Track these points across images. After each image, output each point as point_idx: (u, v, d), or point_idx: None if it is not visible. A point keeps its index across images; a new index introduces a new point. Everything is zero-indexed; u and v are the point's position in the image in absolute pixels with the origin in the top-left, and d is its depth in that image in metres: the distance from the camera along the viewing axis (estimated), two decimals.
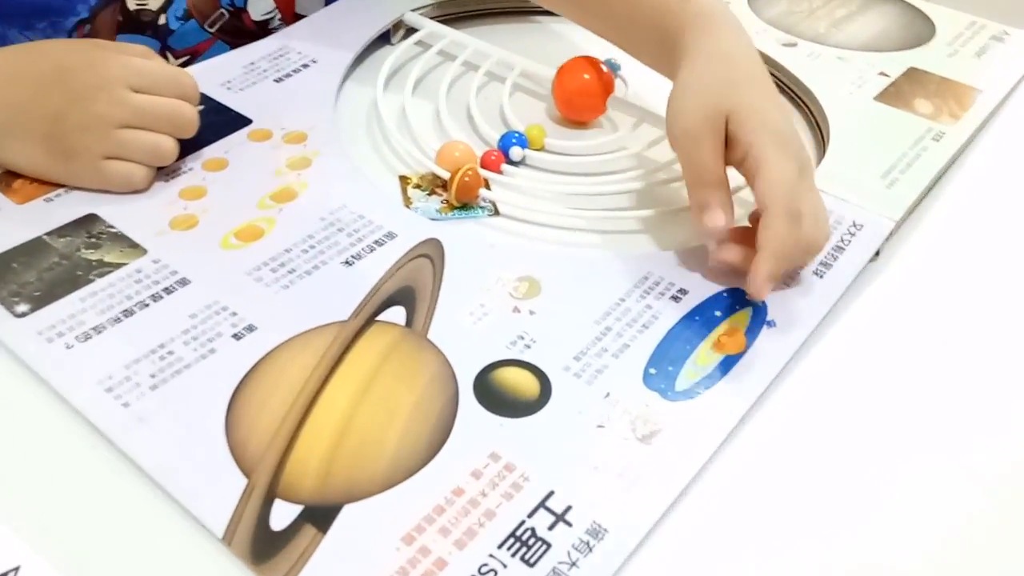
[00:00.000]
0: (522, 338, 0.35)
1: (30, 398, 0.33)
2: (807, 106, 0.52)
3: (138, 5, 0.55)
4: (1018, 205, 0.47)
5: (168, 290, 0.37)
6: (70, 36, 0.52)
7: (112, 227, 0.40)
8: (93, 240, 0.39)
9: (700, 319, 0.36)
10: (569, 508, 0.29)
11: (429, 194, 0.44)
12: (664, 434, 0.32)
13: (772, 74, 0.54)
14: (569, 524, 0.28)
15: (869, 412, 0.35)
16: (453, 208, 0.43)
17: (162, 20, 0.56)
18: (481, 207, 0.43)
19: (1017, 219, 0.46)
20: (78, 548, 0.28)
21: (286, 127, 0.47)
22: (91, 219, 0.40)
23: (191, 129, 0.43)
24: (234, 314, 0.36)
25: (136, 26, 0.55)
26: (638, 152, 0.47)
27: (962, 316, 0.39)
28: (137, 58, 0.42)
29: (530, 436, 0.31)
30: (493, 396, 0.33)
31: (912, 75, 0.54)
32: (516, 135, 0.47)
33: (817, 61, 0.54)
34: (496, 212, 0.43)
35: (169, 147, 0.42)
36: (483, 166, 0.45)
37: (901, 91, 0.52)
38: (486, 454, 0.31)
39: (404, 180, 0.45)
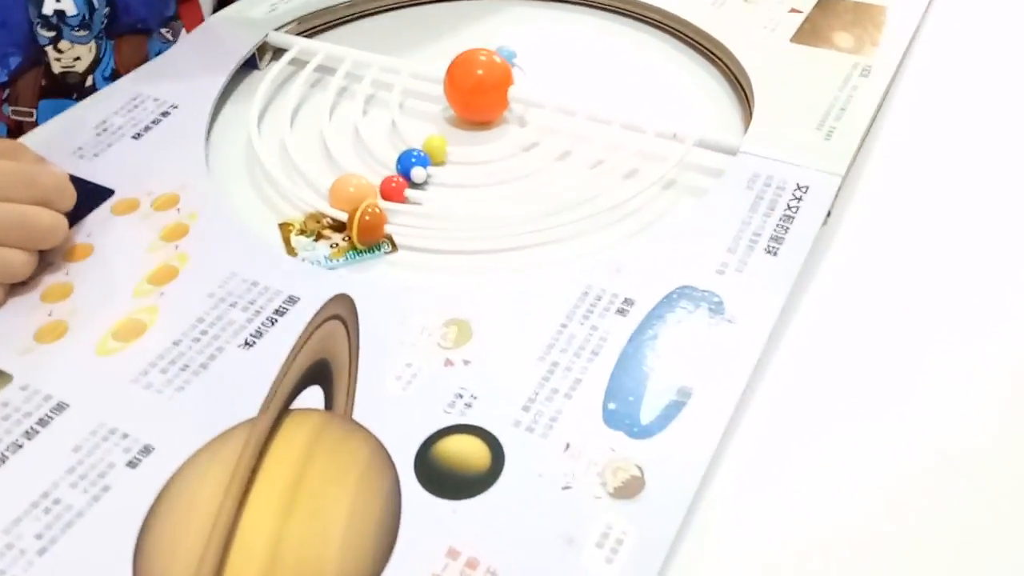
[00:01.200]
0: (460, 396, 0.31)
1: None
2: (723, 63, 0.48)
3: (63, 68, 0.51)
4: (960, 132, 0.44)
5: (42, 421, 0.31)
6: None
7: None
8: None
9: (653, 331, 0.32)
10: None
11: (315, 239, 0.39)
12: (638, 481, 0.28)
13: (680, 32, 0.50)
14: None
15: (856, 398, 0.31)
16: (346, 251, 0.38)
17: (89, 81, 0.52)
18: (379, 246, 0.39)
19: (961, 146, 0.43)
20: None
21: (153, 191, 0.41)
22: None
23: (52, 239, 0.37)
24: (125, 436, 0.31)
25: (62, 89, 0.52)
26: (552, 147, 0.43)
27: (937, 270, 0.36)
28: None
29: (489, 518, 0.27)
30: (439, 477, 0.28)
31: (824, 6, 0.50)
32: (415, 153, 0.42)
33: (722, 9, 0.50)
34: (394, 247, 0.39)
35: (18, 263, 0.36)
36: (384, 197, 0.41)
37: (817, 27, 0.48)
38: (443, 552, 0.26)
39: (285, 227, 0.40)
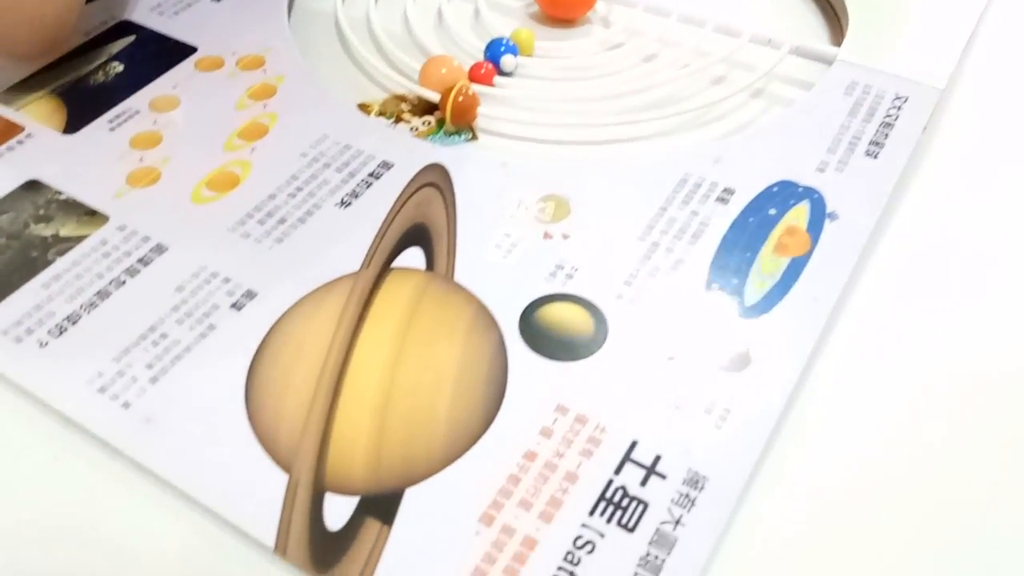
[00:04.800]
0: (561, 267, 0.31)
1: (5, 412, 0.28)
2: None
3: None
4: None
5: (144, 261, 0.31)
6: None
7: (61, 193, 0.34)
8: (42, 212, 0.33)
9: (754, 220, 0.33)
10: (658, 458, 0.25)
11: (395, 122, 0.39)
12: (744, 357, 0.28)
13: None
14: (663, 476, 0.25)
15: (968, 296, 0.31)
16: (426, 135, 0.38)
17: None
18: (459, 133, 0.38)
19: None
20: None
21: (238, 51, 0.41)
22: (34, 187, 0.34)
23: None
24: (227, 280, 0.31)
25: None
26: (638, 48, 0.42)
27: None
28: None
29: (595, 380, 0.28)
30: (544, 339, 0.29)
31: None
32: (505, 42, 0.41)
33: None
34: (474, 137, 0.38)
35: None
36: (473, 80, 0.40)
37: None
38: (552, 407, 0.27)
39: (364, 108, 0.40)
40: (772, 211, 0.33)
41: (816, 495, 0.26)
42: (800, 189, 0.34)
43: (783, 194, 0.34)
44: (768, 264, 0.31)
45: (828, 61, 0.41)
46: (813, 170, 0.35)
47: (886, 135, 0.36)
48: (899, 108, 0.37)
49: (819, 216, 0.33)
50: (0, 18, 0.35)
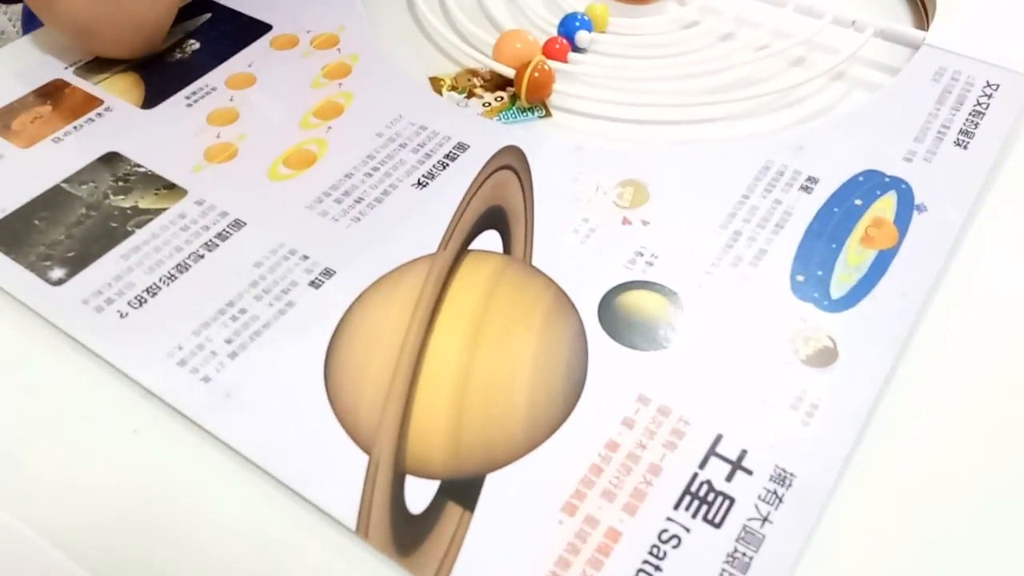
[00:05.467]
0: (640, 254, 0.31)
1: (86, 381, 0.28)
2: None
3: None
4: None
5: (222, 236, 0.31)
6: None
7: (140, 166, 0.34)
8: (121, 183, 0.34)
9: (840, 211, 0.32)
10: (744, 453, 0.25)
11: (467, 96, 0.38)
12: (830, 352, 0.27)
13: None
14: (749, 472, 0.25)
15: None
16: (499, 111, 0.38)
17: None
18: (532, 109, 0.38)
19: None
20: (179, 558, 0.24)
21: (312, 29, 0.41)
22: (113, 158, 0.35)
23: None
24: (305, 257, 0.31)
25: None
26: (714, 27, 0.41)
27: None
28: None
29: (677, 370, 0.27)
30: (624, 327, 0.28)
31: None
32: (579, 17, 0.41)
33: None
34: (548, 113, 0.38)
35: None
36: (547, 56, 0.40)
37: None
38: (633, 397, 0.26)
39: (436, 82, 0.39)
40: (858, 201, 0.32)
41: (906, 495, 0.25)
42: (887, 179, 0.33)
43: (869, 184, 0.33)
44: (854, 256, 0.30)
45: (914, 45, 0.39)
46: (900, 160, 0.33)
47: (976, 124, 0.35)
48: (990, 96, 0.36)
49: (907, 208, 0.32)
50: (106, 24, 0.36)
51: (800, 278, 0.29)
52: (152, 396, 0.27)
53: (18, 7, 0.97)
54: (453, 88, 0.39)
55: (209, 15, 0.42)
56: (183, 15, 0.41)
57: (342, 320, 0.29)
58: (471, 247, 0.31)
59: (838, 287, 0.29)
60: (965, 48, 0.38)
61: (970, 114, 0.35)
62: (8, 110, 0.37)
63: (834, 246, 0.30)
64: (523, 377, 0.27)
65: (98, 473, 0.26)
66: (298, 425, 0.26)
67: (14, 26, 1.22)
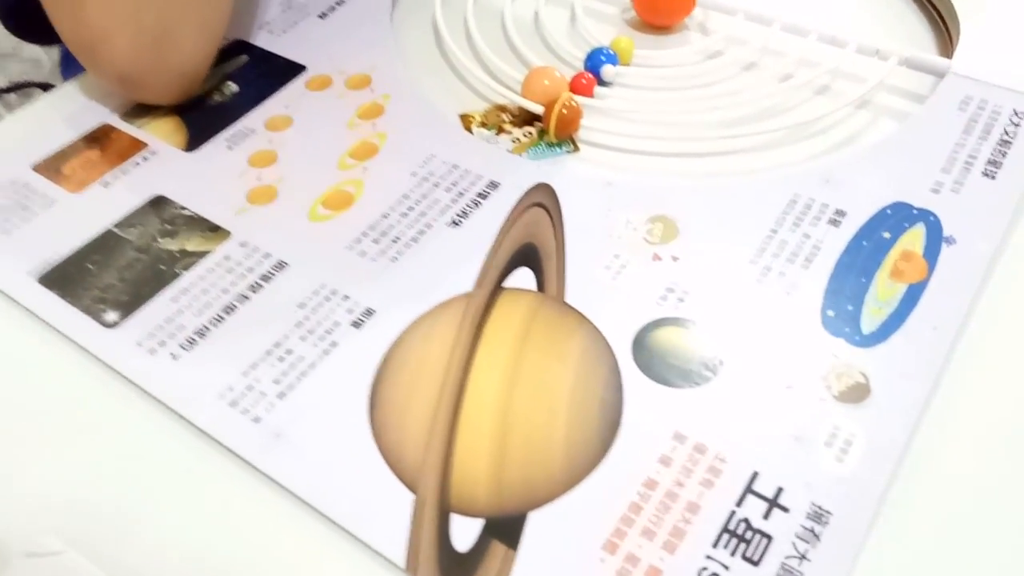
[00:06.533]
0: (672, 290, 0.31)
1: (142, 421, 0.29)
2: None
3: None
4: None
5: (266, 277, 0.33)
6: None
7: (185, 209, 0.35)
8: (168, 226, 0.35)
9: (868, 244, 0.32)
10: (780, 491, 0.26)
11: (497, 132, 0.39)
12: (863, 388, 0.28)
13: None
14: (786, 510, 0.25)
15: None
16: (528, 147, 0.38)
17: None
18: (560, 144, 0.38)
19: None
20: None
21: (345, 70, 0.42)
22: (160, 202, 0.36)
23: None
24: (346, 297, 0.32)
25: None
26: (738, 57, 0.42)
27: None
28: None
29: (711, 408, 0.28)
30: (658, 364, 0.29)
31: None
32: (605, 51, 0.42)
33: None
34: (576, 148, 0.38)
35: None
36: (573, 91, 0.40)
37: None
38: (669, 435, 0.27)
39: (466, 119, 0.40)
40: (886, 234, 0.32)
41: (943, 531, 0.25)
42: (915, 211, 0.33)
43: (897, 216, 0.33)
44: (884, 290, 0.31)
45: (939, 73, 0.40)
46: (927, 191, 0.34)
47: (1004, 154, 0.35)
48: (1017, 125, 0.36)
49: (936, 240, 0.32)
50: (148, 72, 0.38)
51: (831, 313, 0.30)
52: (205, 435, 0.28)
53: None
54: (483, 125, 0.40)
55: (246, 57, 0.43)
56: (221, 58, 0.43)
57: (384, 360, 0.30)
58: (505, 285, 0.32)
59: (869, 321, 0.30)
60: (991, 76, 0.38)
61: (998, 143, 0.35)
62: (59, 156, 0.38)
63: (864, 280, 0.31)
64: (561, 415, 0.28)
65: (156, 511, 0.27)
66: (346, 464, 0.27)
67: (50, 57, 1.25)
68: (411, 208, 0.35)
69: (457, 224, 0.34)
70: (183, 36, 0.37)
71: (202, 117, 0.40)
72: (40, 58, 1.25)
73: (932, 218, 0.33)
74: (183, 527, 0.26)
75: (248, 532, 0.26)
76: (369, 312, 0.31)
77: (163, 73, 0.38)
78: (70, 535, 0.26)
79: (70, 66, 0.66)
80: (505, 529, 0.25)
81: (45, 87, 1.03)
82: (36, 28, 0.55)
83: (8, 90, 1.04)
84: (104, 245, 0.34)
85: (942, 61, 0.40)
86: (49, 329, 0.32)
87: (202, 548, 0.26)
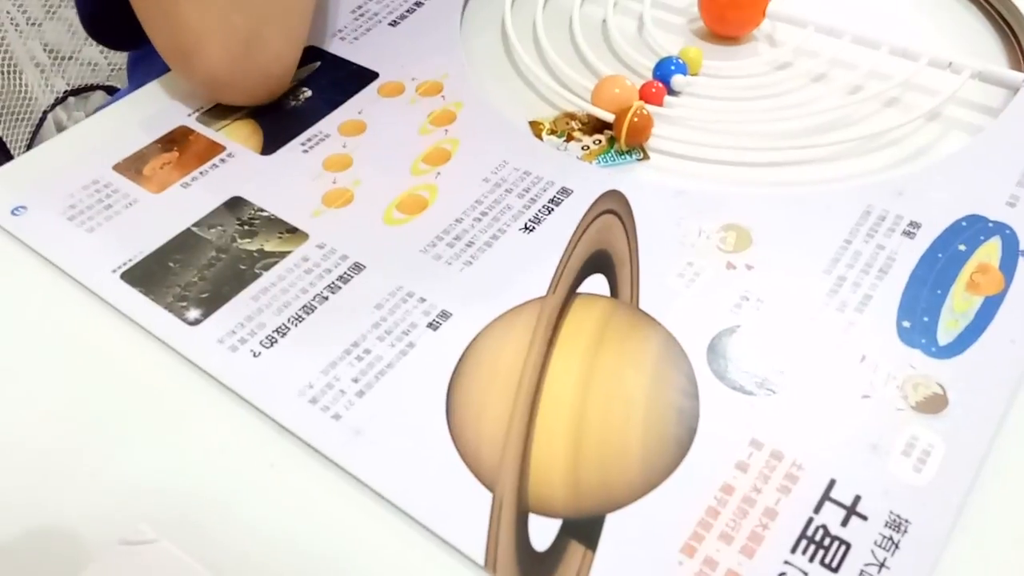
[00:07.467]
0: (747, 299, 0.31)
1: (225, 417, 0.30)
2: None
3: None
4: None
5: (343, 278, 0.33)
6: None
7: (263, 210, 0.36)
8: (247, 227, 0.36)
9: (944, 256, 0.32)
10: (858, 498, 0.26)
11: (566, 140, 0.40)
12: (941, 399, 0.28)
13: None
14: (864, 518, 0.25)
15: None
16: (598, 154, 0.39)
17: None
18: (630, 152, 0.39)
19: None
20: None
21: (417, 77, 0.43)
22: (238, 203, 0.37)
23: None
24: (422, 300, 0.32)
25: None
26: (807, 68, 0.42)
27: None
28: None
29: (788, 415, 0.28)
30: (733, 371, 0.29)
31: None
32: (674, 60, 0.42)
33: None
34: (645, 156, 0.39)
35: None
36: (643, 99, 0.41)
37: None
38: (746, 441, 0.27)
39: (536, 126, 0.41)
40: (962, 247, 0.32)
41: (1021, 542, 0.25)
42: (990, 224, 0.33)
43: (972, 229, 0.33)
44: (960, 303, 0.30)
45: (1013, 87, 0.40)
46: (1003, 204, 0.34)
47: None
48: None
49: (1012, 253, 0.32)
50: (239, 75, 0.39)
51: (907, 324, 0.30)
52: (286, 431, 0.29)
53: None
54: (552, 132, 0.41)
55: (319, 63, 0.44)
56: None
57: (460, 361, 0.30)
58: (579, 290, 0.32)
59: (945, 333, 0.30)
60: None
61: None
62: (138, 157, 0.40)
63: (939, 292, 0.31)
64: (637, 419, 0.28)
65: (241, 503, 0.28)
66: (424, 462, 0.27)
67: (105, 57, 1.28)
68: (484, 213, 0.36)
69: (530, 230, 0.35)
70: (271, 37, 0.38)
71: (277, 121, 0.41)
72: (98, 61, 1.29)
73: (1008, 231, 0.33)
74: (266, 519, 0.27)
75: (329, 525, 0.27)
76: (445, 314, 0.32)
77: (252, 74, 0.39)
78: (156, 524, 0.27)
79: (137, 71, 0.68)
80: (583, 530, 0.25)
81: (109, 90, 1.06)
82: (116, 34, 0.57)
83: (73, 93, 1.07)
84: (185, 244, 0.35)
85: (1016, 75, 0.40)
86: (133, 325, 0.33)
87: (284, 540, 0.27)
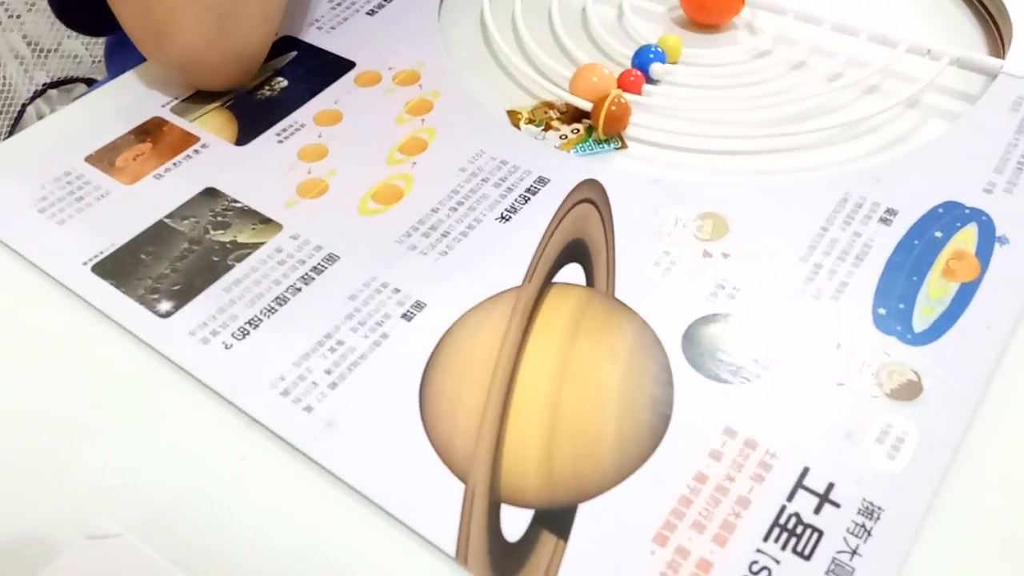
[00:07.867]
0: (722, 287, 0.31)
1: (196, 409, 0.30)
2: None
3: None
4: None
5: (317, 269, 0.33)
6: None
7: (236, 201, 0.36)
8: (220, 219, 0.35)
9: (920, 243, 0.32)
10: (831, 486, 0.25)
11: (544, 129, 0.40)
12: (915, 385, 0.28)
13: None
14: (837, 505, 0.25)
15: None
16: (575, 143, 0.39)
17: None
18: (608, 141, 0.39)
19: None
20: None
21: (394, 66, 0.42)
22: (211, 194, 0.37)
23: None
24: (396, 291, 0.32)
25: None
26: (786, 56, 0.42)
27: None
28: None
29: (762, 404, 0.28)
30: (708, 359, 0.29)
31: None
32: (653, 49, 0.42)
33: None
34: (623, 145, 0.38)
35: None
36: (621, 88, 0.40)
37: None
38: (719, 430, 0.27)
39: (513, 115, 0.41)
40: (938, 233, 0.32)
41: (995, 529, 0.25)
42: (967, 211, 0.33)
43: (949, 216, 0.33)
44: (936, 289, 0.30)
45: (991, 74, 0.39)
46: (980, 191, 0.34)
47: None
48: None
49: (988, 240, 0.32)
50: (211, 53, 0.38)
51: (882, 311, 0.30)
52: (257, 424, 0.29)
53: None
54: (530, 121, 0.40)
55: (295, 53, 0.44)
56: (271, 54, 0.43)
57: (434, 352, 0.30)
58: (555, 280, 0.32)
59: (921, 320, 0.29)
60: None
61: None
62: (111, 148, 0.39)
63: (915, 279, 0.31)
64: (610, 408, 0.28)
65: (211, 497, 0.27)
66: (397, 454, 0.27)
67: (88, 50, 1.27)
68: (460, 203, 0.35)
69: (506, 219, 0.34)
70: (245, 16, 0.38)
71: (252, 111, 0.40)
72: (80, 54, 1.28)
73: (984, 218, 0.33)
74: (235, 512, 0.27)
75: (299, 518, 0.27)
76: (419, 305, 0.31)
77: (225, 54, 0.39)
78: (123, 520, 0.27)
79: (114, 61, 0.68)
80: (555, 520, 0.25)
81: (88, 82, 1.05)
82: (89, 18, 0.57)
83: (52, 85, 1.06)
84: (157, 236, 0.35)
85: (994, 61, 0.39)
86: (103, 318, 0.32)
87: (253, 533, 0.26)
